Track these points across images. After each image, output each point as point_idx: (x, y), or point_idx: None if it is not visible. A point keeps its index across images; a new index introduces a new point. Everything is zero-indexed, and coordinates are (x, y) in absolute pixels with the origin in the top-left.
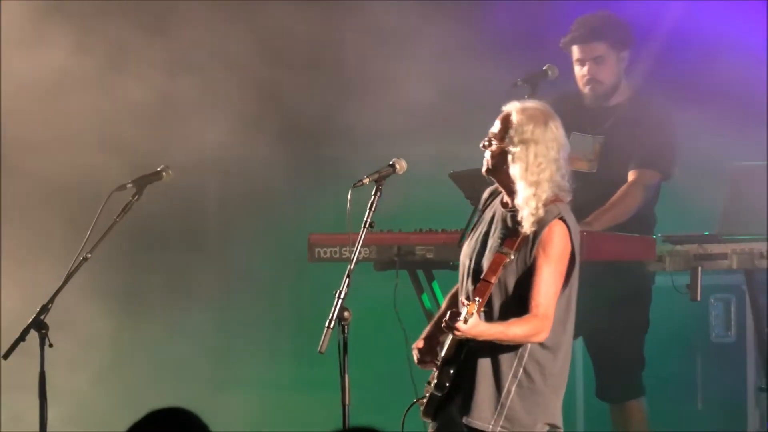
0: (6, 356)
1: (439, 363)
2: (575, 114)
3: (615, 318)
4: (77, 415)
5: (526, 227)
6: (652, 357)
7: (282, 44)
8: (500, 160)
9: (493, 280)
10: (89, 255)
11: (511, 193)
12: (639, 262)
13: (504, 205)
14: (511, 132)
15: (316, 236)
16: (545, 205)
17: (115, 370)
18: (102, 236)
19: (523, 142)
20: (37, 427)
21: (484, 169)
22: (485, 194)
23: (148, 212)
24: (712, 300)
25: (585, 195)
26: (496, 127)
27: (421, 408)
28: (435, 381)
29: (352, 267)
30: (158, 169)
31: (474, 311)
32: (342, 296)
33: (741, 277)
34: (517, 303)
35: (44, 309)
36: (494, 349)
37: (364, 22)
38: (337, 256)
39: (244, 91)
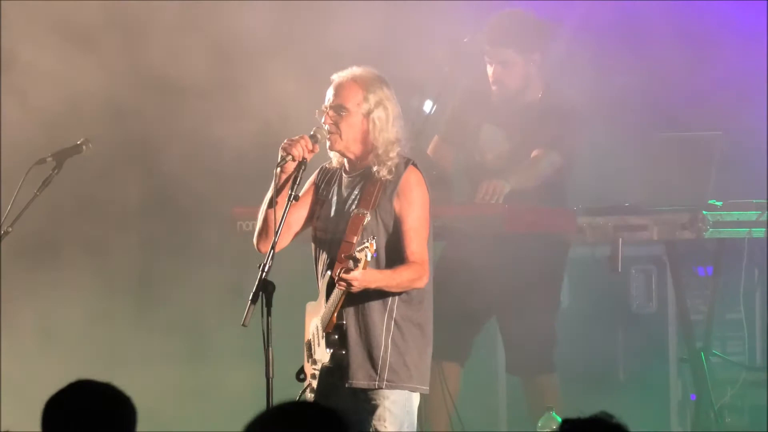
0: None
1: (317, 340)
2: (490, 106)
3: (525, 294)
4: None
5: (384, 175)
6: (572, 329)
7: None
8: (356, 127)
9: (354, 240)
10: (10, 229)
11: (357, 159)
12: (553, 239)
13: (345, 172)
14: (369, 96)
15: (240, 209)
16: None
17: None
18: (22, 210)
19: (379, 103)
20: None
21: (338, 145)
22: (315, 176)
23: (73, 185)
24: (633, 271)
25: None
26: (344, 98)
27: (311, 392)
28: (320, 356)
29: (276, 239)
30: (78, 143)
31: (368, 258)
32: (266, 269)
33: (662, 247)
34: (389, 257)
35: None
36: (365, 308)
37: None
38: None
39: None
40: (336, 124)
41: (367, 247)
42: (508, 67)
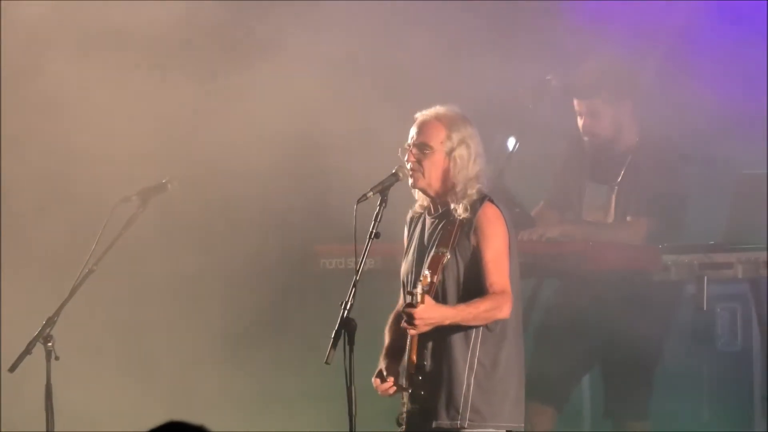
0: (12, 369)
1: (406, 383)
2: (590, 163)
3: (633, 340)
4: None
5: (460, 213)
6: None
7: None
8: (438, 165)
9: (435, 279)
10: (95, 268)
11: (438, 196)
12: (669, 283)
13: (429, 214)
14: (452, 134)
15: (322, 247)
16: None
17: (118, 380)
18: (107, 249)
19: (462, 141)
20: None
21: (420, 183)
22: (407, 230)
23: (152, 220)
24: (719, 309)
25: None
26: (428, 136)
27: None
28: (407, 399)
29: (357, 277)
30: (163, 181)
31: (424, 291)
32: (348, 307)
33: (747, 285)
34: (472, 293)
35: (50, 322)
36: (447, 347)
37: None
38: (343, 266)
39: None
40: (419, 162)
41: (420, 280)
42: (598, 118)
